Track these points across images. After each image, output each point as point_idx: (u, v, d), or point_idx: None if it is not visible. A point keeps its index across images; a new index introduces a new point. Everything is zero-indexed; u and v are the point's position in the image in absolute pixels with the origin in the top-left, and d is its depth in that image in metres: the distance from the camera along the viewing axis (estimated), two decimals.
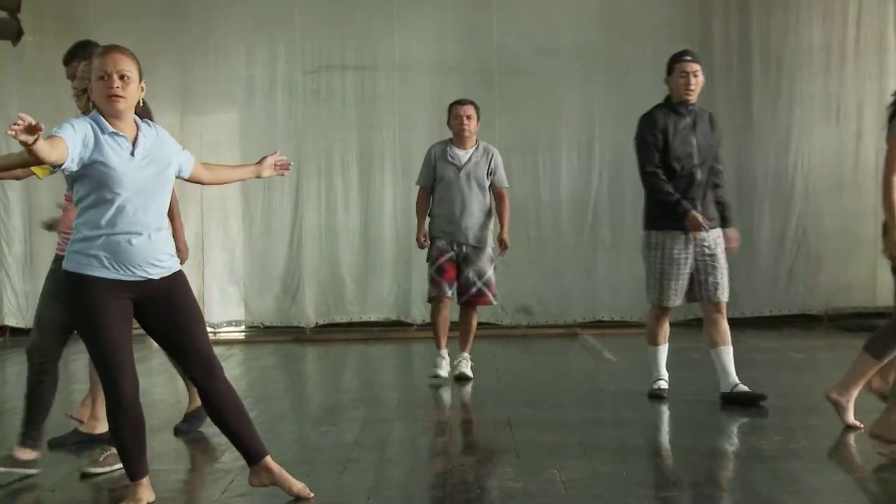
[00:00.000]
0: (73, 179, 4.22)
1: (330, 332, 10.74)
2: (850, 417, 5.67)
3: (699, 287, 6.55)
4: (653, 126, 6.59)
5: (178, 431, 5.92)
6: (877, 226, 10.83)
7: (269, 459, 4.50)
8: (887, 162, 5.35)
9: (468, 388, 7.41)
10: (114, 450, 4.94)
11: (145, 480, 4.37)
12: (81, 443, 5.64)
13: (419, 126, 10.54)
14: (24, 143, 3.79)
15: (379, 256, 10.93)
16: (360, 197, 10.94)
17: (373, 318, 10.97)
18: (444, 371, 7.54)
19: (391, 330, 10.77)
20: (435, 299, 7.56)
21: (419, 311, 10.77)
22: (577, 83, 10.88)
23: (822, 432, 5.71)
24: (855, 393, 5.68)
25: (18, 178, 5.67)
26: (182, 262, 4.67)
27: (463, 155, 7.60)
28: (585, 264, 10.93)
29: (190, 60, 10.85)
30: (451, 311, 7.73)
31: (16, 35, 9.22)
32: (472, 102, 7.69)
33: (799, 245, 10.86)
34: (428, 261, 7.65)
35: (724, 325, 6.60)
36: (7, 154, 5.38)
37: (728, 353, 6.57)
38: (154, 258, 4.26)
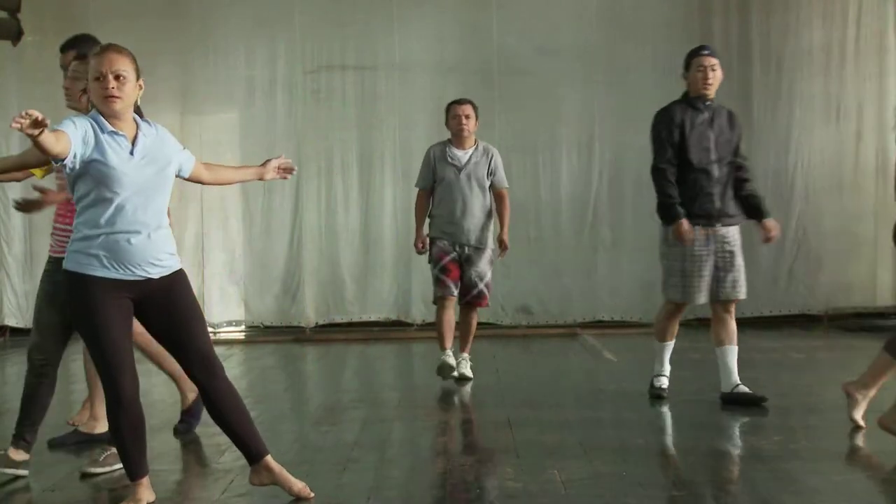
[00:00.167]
0: (73, 178, 4.22)
1: (330, 332, 10.74)
2: (858, 415, 5.65)
3: (716, 284, 6.50)
4: (668, 121, 6.56)
5: (177, 432, 5.92)
6: (877, 226, 10.93)
7: (269, 459, 4.50)
8: None
9: (468, 388, 7.41)
10: (114, 450, 4.95)
11: (145, 480, 4.38)
12: (81, 443, 5.64)
13: (419, 126, 10.54)
14: (29, 136, 3.81)
15: (379, 256, 10.93)
16: (360, 197, 10.93)
17: (373, 318, 10.96)
18: (451, 360, 7.41)
19: (391, 330, 10.76)
20: (440, 299, 7.47)
21: (419, 311, 10.77)
22: (577, 83, 10.88)
23: (822, 432, 5.72)
24: (871, 392, 5.67)
25: (18, 181, 5.67)
26: None
27: (462, 155, 7.55)
28: (585, 264, 10.93)
29: (190, 60, 10.85)
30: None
31: (16, 35, 9.22)
32: (470, 102, 7.63)
33: (799, 245, 10.86)
34: (430, 262, 7.59)
35: (732, 325, 6.58)
36: (6, 157, 5.39)
37: (732, 353, 6.56)
38: (154, 257, 4.26)
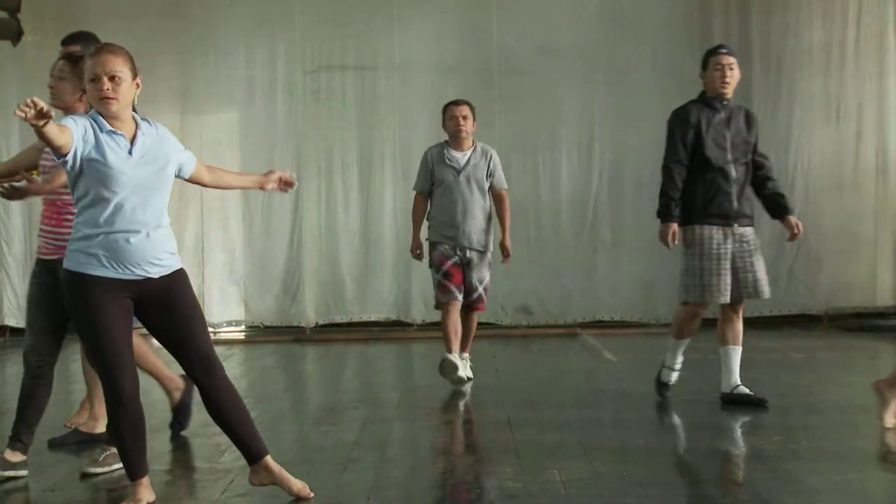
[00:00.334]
0: (73, 177, 4.22)
1: (330, 332, 10.75)
2: (890, 415, 5.61)
3: (736, 285, 6.44)
4: (684, 121, 6.50)
5: (173, 434, 5.89)
6: (877, 226, 10.93)
7: (269, 459, 4.50)
8: None
9: (468, 387, 7.40)
10: (113, 449, 4.95)
11: (145, 480, 4.37)
12: (81, 443, 5.63)
13: (419, 126, 10.54)
14: (33, 126, 3.82)
15: (379, 256, 10.93)
16: (360, 197, 10.94)
17: (373, 318, 10.97)
18: (456, 359, 7.26)
19: (391, 330, 10.77)
20: (445, 304, 7.37)
21: (419, 311, 10.77)
22: (577, 83, 10.88)
23: (822, 432, 5.72)
24: None
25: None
26: None
27: (461, 157, 7.45)
28: (585, 264, 10.93)
29: (190, 60, 10.85)
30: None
31: (16, 35, 9.21)
32: (466, 102, 7.52)
33: (799, 245, 10.80)
34: (431, 266, 7.50)
35: (739, 326, 6.55)
36: (4, 161, 5.39)
37: (736, 354, 6.54)
38: (153, 256, 4.26)
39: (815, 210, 10.88)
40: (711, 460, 5.27)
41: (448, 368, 7.24)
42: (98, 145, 4.17)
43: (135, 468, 4.34)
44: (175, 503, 4.57)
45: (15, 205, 10.76)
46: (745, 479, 4.91)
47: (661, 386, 6.76)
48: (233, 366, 8.68)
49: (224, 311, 10.95)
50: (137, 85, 4.30)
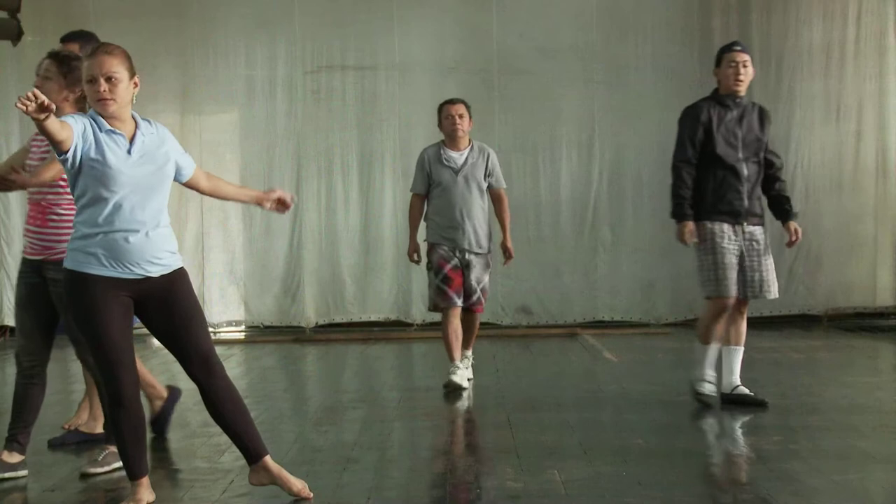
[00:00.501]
0: (72, 176, 4.22)
1: (330, 332, 10.75)
2: None
3: (742, 283, 6.42)
4: (694, 118, 6.45)
5: (159, 437, 5.82)
6: (876, 226, 10.93)
7: (268, 459, 4.49)
8: None
9: (468, 387, 7.39)
10: (113, 448, 4.96)
11: (145, 480, 4.37)
12: (81, 443, 5.64)
13: (419, 126, 10.54)
14: (35, 119, 3.83)
15: (379, 256, 10.93)
16: (360, 197, 10.94)
17: (373, 318, 10.97)
18: (460, 379, 7.21)
19: (391, 330, 10.77)
20: (444, 310, 7.30)
21: (419, 311, 10.78)
22: (577, 83, 10.88)
23: (822, 432, 5.71)
24: None
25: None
26: None
27: (458, 157, 7.35)
28: (585, 264, 10.94)
29: (190, 60, 10.85)
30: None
31: (16, 35, 9.21)
32: (462, 101, 7.42)
33: (799, 245, 10.77)
34: (429, 269, 7.39)
35: (743, 326, 6.53)
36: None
37: (738, 354, 6.52)
38: (152, 256, 4.26)
39: (815, 210, 10.89)
40: (711, 460, 5.27)
41: (453, 390, 7.15)
42: (97, 144, 4.17)
43: (135, 468, 4.33)
44: (175, 503, 4.57)
45: (15, 205, 10.77)
46: (745, 479, 4.91)
47: (703, 400, 6.45)
48: (233, 366, 8.68)
49: (224, 311, 10.95)
50: (136, 84, 4.30)
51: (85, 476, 5.01)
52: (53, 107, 3.84)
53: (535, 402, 6.79)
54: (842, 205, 10.96)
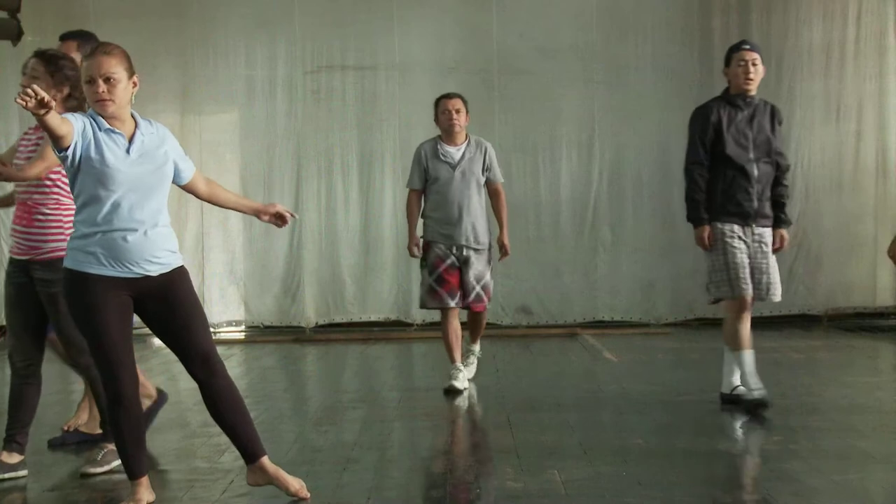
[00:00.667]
0: (72, 175, 4.23)
1: (330, 332, 10.74)
2: None
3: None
4: (703, 119, 6.40)
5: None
6: (876, 226, 10.93)
7: (265, 459, 4.49)
8: None
9: (469, 387, 7.38)
10: (111, 446, 4.97)
11: (145, 480, 4.37)
12: (81, 443, 5.64)
13: (419, 126, 10.51)
14: (35, 114, 3.84)
15: (379, 256, 10.93)
16: (360, 197, 10.94)
17: (373, 318, 10.97)
18: (461, 383, 7.18)
19: (391, 330, 10.77)
20: (442, 311, 7.26)
21: (419, 312, 10.75)
22: (577, 83, 10.88)
23: (822, 432, 5.71)
24: None
25: (10, 206, 5.61)
26: None
27: (455, 152, 7.27)
28: (585, 264, 10.93)
29: (190, 60, 10.85)
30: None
31: (16, 35, 9.21)
32: (459, 96, 7.36)
33: (799, 245, 10.84)
34: (423, 267, 7.31)
35: (747, 327, 6.53)
36: None
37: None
38: (151, 255, 4.26)
39: (815, 210, 10.89)
40: (711, 460, 5.27)
41: (453, 395, 7.12)
42: (96, 143, 4.18)
43: (134, 468, 4.33)
44: (175, 503, 4.57)
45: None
46: (745, 479, 4.91)
47: (755, 404, 6.22)
48: (233, 366, 8.68)
49: (224, 311, 10.95)
50: (135, 84, 4.30)
51: (85, 476, 5.01)
52: (53, 103, 3.85)
53: (535, 402, 6.79)
54: (842, 205, 10.95)
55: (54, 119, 3.96)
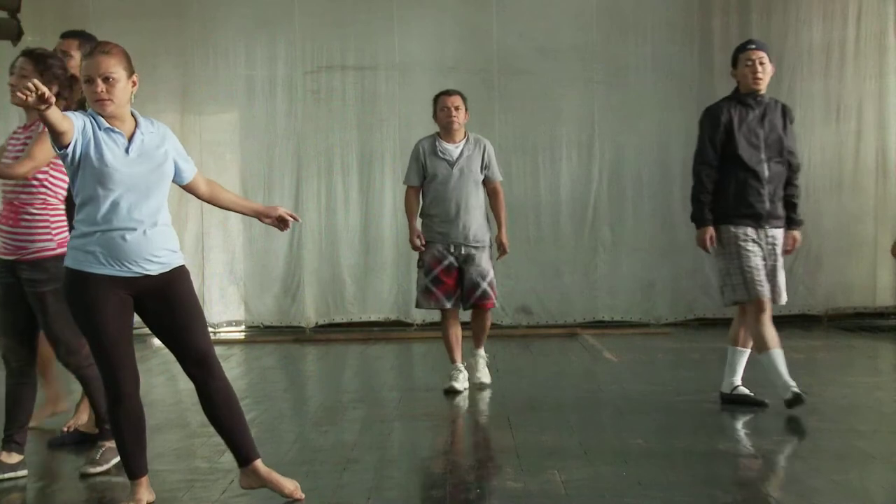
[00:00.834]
0: (72, 173, 4.23)
1: (330, 332, 10.74)
2: None
3: None
4: (714, 119, 6.36)
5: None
6: (876, 226, 10.93)
7: (258, 463, 4.47)
8: None
9: (468, 388, 7.38)
10: (110, 444, 4.97)
11: (144, 480, 4.37)
12: (81, 442, 5.63)
13: (419, 126, 10.48)
14: (36, 110, 3.85)
15: (379, 256, 10.93)
16: (360, 197, 10.94)
17: (373, 318, 10.97)
18: (461, 384, 7.16)
19: (391, 330, 10.77)
20: (442, 312, 7.22)
21: (419, 312, 10.75)
22: (577, 83, 10.88)
23: (822, 432, 5.72)
24: None
25: None
26: None
27: (454, 149, 7.20)
28: (585, 264, 10.93)
29: (190, 60, 10.85)
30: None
31: (16, 35, 9.21)
32: (458, 92, 7.30)
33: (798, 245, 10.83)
34: (420, 267, 7.25)
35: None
36: None
37: (743, 357, 6.48)
38: (150, 254, 4.25)
39: (815, 210, 10.86)
40: (711, 460, 5.27)
41: (452, 395, 7.09)
42: (96, 142, 4.18)
43: (134, 467, 4.33)
44: (175, 503, 4.57)
45: None
46: (745, 479, 4.91)
47: (794, 400, 6.14)
48: (233, 366, 8.68)
49: (224, 311, 10.95)
50: (134, 83, 4.30)
51: (85, 476, 5.01)
52: (53, 98, 3.84)
53: (535, 402, 6.79)
54: (842, 205, 10.95)
55: (55, 114, 3.97)
